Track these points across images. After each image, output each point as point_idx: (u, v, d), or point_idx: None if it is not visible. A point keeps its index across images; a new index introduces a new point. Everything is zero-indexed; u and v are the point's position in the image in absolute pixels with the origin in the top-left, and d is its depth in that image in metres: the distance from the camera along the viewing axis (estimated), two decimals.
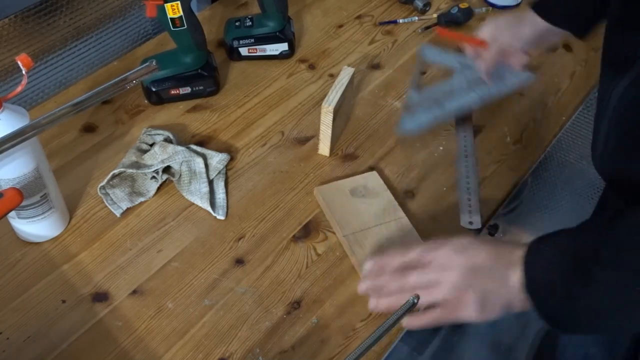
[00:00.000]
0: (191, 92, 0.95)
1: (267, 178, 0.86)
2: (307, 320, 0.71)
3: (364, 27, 1.12)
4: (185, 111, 0.95)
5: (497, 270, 0.63)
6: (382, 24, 1.13)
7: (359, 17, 1.14)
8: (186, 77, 0.93)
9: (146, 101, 0.95)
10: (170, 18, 0.86)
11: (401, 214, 0.80)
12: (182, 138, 0.90)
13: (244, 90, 0.99)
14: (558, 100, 1.00)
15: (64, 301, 0.72)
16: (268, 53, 1.03)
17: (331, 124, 0.85)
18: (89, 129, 0.91)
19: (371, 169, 0.87)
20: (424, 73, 1.01)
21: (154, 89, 0.93)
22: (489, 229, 1.50)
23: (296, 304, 0.72)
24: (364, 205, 0.81)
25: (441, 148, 0.91)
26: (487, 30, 0.87)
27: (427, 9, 1.15)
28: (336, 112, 0.85)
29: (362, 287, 0.71)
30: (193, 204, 0.82)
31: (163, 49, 1.02)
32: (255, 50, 1.02)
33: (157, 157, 0.83)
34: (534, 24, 0.83)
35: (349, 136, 0.92)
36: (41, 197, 0.72)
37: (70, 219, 0.80)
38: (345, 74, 0.88)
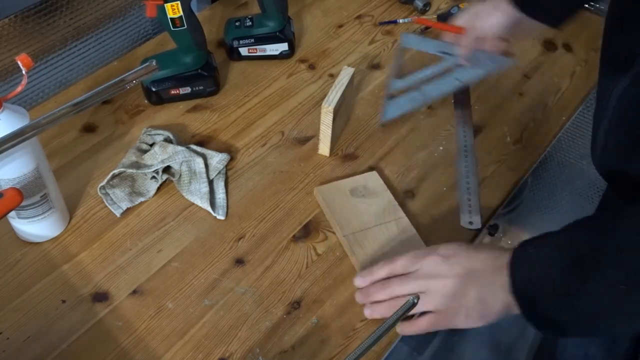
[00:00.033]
0: (191, 92, 0.95)
1: (267, 178, 0.86)
2: (307, 320, 0.71)
3: (364, 27, 1.12)
4: (185, 111, 0.95)
5: (483, 276, 0.63)
6: (382, 24, 1.13)
7: (359, 17, 1.14)
8: (186, 77, 0.93)
9: (146, 101, 0.95)
10: (170, 18, 0.86)
11: (401, 214, 0.80)
12: (182, 138, 0.90)
13: (244, 90, 0.99)
14: (558, 100, 1.00)
15: (64, 301, 0.72)
16: (268, 53, 1.03)
17: (331, 124, 0.85)
18: (89, 129, 0.91)
19: (371, 169, 0.87)
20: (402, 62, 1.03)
21: (154, 89, 0.93)
22: (489, 229, 1.50)
23: (296, 304, 0.72)
24: (364, 205, 0.81)
25: (441, 148, 0.91)
26: (464, 17, 0.88)
27: (427, 9, 1.15)
28: (336, 112, 0.85)
29: (357, 298, 0.72)
30: (193, 204, 0.82)
31: (163, 49, 1.02)
32: (255, 50, 1.02)
33: (157, 157, 0.83)
34: (508, 13, 0.84)
35: (349, 136, 0.92)
36: (41, 197, 0.72)
37: (70, 219, 0.80)
38: (345, 74, 0.88)
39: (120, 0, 1.01)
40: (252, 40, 1.01)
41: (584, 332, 0.75)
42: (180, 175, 0.83)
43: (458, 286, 0.64)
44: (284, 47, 1.02)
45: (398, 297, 0.68)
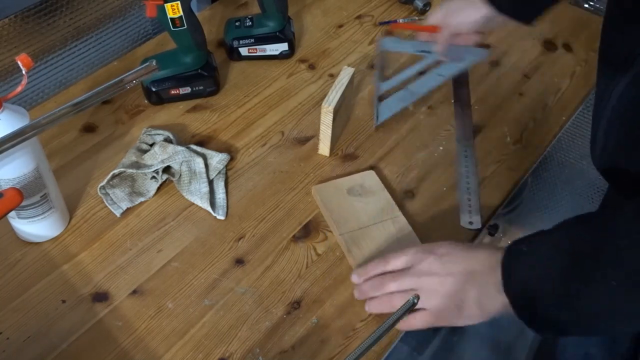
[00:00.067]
0: (191, 92, 0.95)
1: (267, 178, 0.86)
2: (307, 320, 0.71)
3: (364, 27, 1.12)
4: (185, 111, 0.95)
5: (477, 275, 0.64)
6: (382, 24, 1.13)
7: (359, 17, 1.14)
8: (186, 77, 0.93)
9: (146, 101, 0.95)
10: (170, 18, 0.86)
11: (398, 212, 0.80)
12: (182, 138, 0.90)
13: (244, 90, 0.99)
14: (558, 100, 1.00)
15: (64, 301, 0.72)
16: (268, 53, 1.03)
17: (331, 124, 0.85)
18: (89, 129, 0.91)
19: (371, 168, 0.87)
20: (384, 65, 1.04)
21: (154, 89, 0.93)
22: (489, 229, 1.50)
23: (296, 304, 0.72)
24: (361, 204, 0.81)
25: (441, 148, 0.91)
26: (438, 15, 0.90)
27: (427, 9, 1.15)
28: (336, 112, 0.85)
29: (355, 294, 0.73)
30: (193, 204, 0.82)
31: (163, 49, 1.02)
32: (255, 50, 1.02)
33: (157, 157, 0.83)
34: (481, 9, 0.86)
35: (349, 136, 0.92)
36: (41, 197, 0.72)
37: (70, 219, 0.80)
38: (345, 74, 0.88)
39: (120, 0, 1.01)
40: (252, 40, 1.01)
41: (583, 332, 0.75)
42: (180, 175, 0.83)
43: (451, 284, 0.64)
44: (284, 47, 1.02)
45: (393, 293, 0.68)
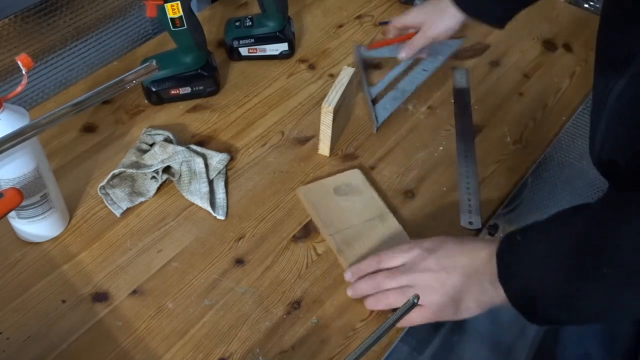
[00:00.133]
0: (191, 92, 0.95)
1: (267, 178, 0.86)
2: (307, 320, 0.71)
3: (364, 27, 1.12)
4: (185, 111, 0.95)
5: (470, 268, 0.64)
6: (382, 24, 1.13)
7: (359, 17, 1.14)
8: (186, 77, 0.93)
9: (146, 101, 0.95)
10: (170, 18, 0.86)
11: (385, 210, 0.80)
12: (182, 138, 0.90)
13: (244, 90, 0.99)
14: (558, 100, 1.00)
15: (64, 301, 0.72)
16: (268, 53, 1.03)
17: (331, 124, 0.85)
18: (89, 129, 0.91)
19: (371, 169, 0.87)
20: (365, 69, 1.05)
21: (154, 89, 0.93)
22: (489, 229, 1.50)
23: (296, 304, 0.72)
24: (348, 203, 0.81)
25: (441, 148, 0.91)
26: (413, 20, 0.93)
27: None
28: (336, 112, 0.85)
29: (348, 292, 0.73)
30: (193, 204, 0.82)
31: (163, 49, 1.02)
32: (255, 50, 1.02)
33: (157, 157, 0.83)
34: (456, 15, 0.89)
35: (349, 136, 0.92)
36: (41, 197, 0.72)
37: (70, 219, 0.80)
38: (345, 74, 0.88)
39: (120, 0, 1.01)
40: (252, 40, 1.01)
41: (583, 324, 0.75)
42: (180, 175, 0.83)
43: (447, 279, 0.65)
44: (284, 47, 1.02)
45: (387, 290, 0.69)
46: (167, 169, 0.83)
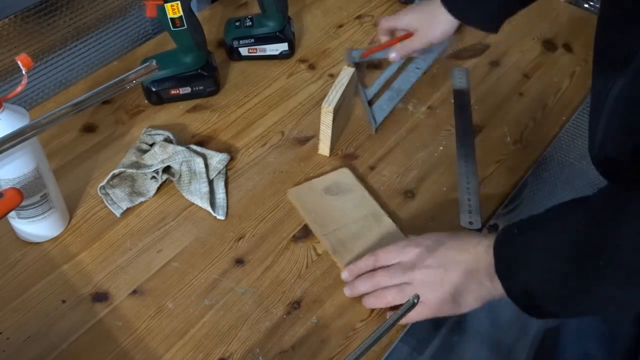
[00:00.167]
0: (191, 92, 0.95)
1: (267, 178, 0.86)
2: (307, 320, 0.71)
3: (364, 27, 1.12)
4: (185, 111, 0.95)
5: (467, 263, 0.64)
6: None
7: (359, 17, 1.14)
8: (186, 77, 0.93)
9: (146, 101, 0.95)
10: (170, 18, 0.86)
11: (377, 208, 0.80)
12: (182, 138, 0.90)
13: (244, 90, 0.99)
14: (558, 100, 1.00)
15: (64, 301, 0.72)
16: (268, 53, 1.03)
17: (331, 124, 0.85)
18: (89, 129, 0.91)
19: (371, 169, 0.87)
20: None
21: (154, 89, 0.93)
22: (489, 229, 1.50)
23: (296, 304, 0.72)
24: (339, 202, 0.81)
25: (441, 148, 0.91)
26: (408, 24, 0.92)
27: None
28: (336, 112, 0.85)
29: (345, 291, 0.73)
30: (193, 204, 0.82)
31: (163, 49, 1.02)
32: (255, 50, 1.02)
33: (157, 157, 0.83)
34: (448, 19, 0.88)
35: (349, 136, 0.92)
36: (41, 197, 0.72)
37: (70, 219, 0.80)
38: (345, 74, 0.88)
39: (120, 0, 1.01)
40: (252, 40, 1.01)
41: (578, 317, 0.75)
42: (180, 175, 0.83)
43: (444, 275, 0.65)
44: (284, 47, 1.02)
45: (385, 288, 0.69)
46: (167, 169, 0.83)
